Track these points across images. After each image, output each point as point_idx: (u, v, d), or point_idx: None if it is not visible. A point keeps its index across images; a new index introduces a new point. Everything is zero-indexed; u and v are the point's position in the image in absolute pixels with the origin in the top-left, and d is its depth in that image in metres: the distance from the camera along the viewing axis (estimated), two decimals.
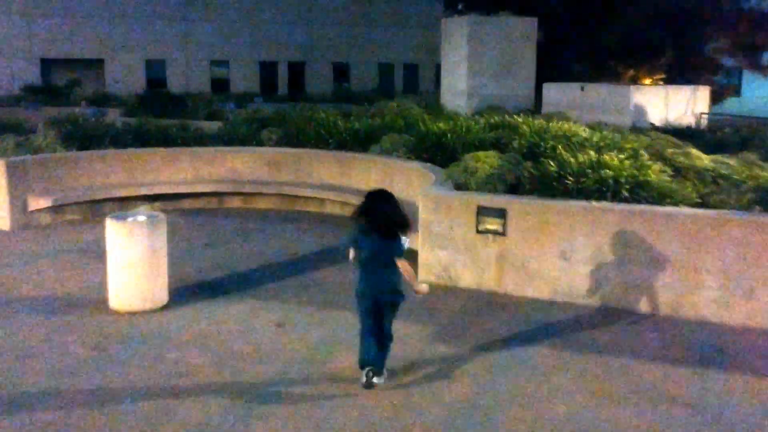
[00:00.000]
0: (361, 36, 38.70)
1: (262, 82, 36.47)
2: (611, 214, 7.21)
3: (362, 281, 5.18)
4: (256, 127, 12.79)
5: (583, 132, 8.72)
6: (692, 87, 17.77)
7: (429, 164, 10.18)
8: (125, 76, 31.59)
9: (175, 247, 9.43)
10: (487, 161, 8.37)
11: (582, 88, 18.31)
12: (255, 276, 8.33)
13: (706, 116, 17.35)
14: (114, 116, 19.49)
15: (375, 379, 5.20)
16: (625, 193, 7.42)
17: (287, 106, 26.88)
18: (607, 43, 21.97)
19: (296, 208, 11.99)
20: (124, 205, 11.58)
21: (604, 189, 7.45)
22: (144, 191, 11.47)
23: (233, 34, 35.11)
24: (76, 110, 23.25)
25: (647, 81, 24.20)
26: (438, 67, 39.98)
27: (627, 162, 7.71)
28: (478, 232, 7.75)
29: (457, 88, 22.26)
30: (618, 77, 23.19)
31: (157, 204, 11.83)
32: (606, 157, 7.81)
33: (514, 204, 7.59)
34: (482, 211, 7.71)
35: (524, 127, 9.94)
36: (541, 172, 7.91)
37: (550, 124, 11.40)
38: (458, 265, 7.88)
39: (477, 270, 7.80)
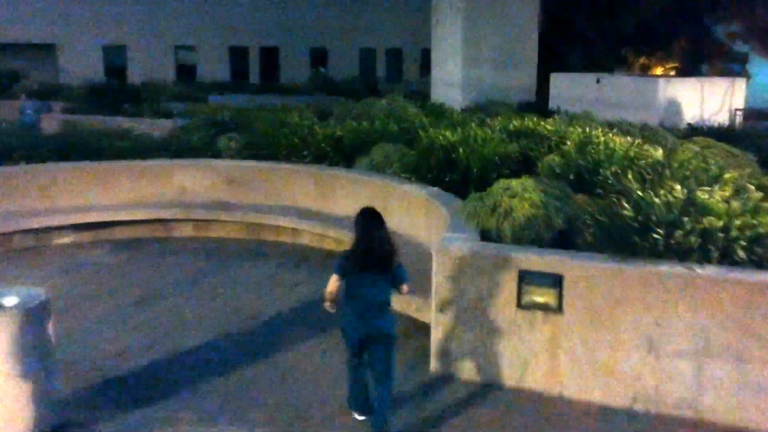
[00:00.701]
0: (340, 18, 35.94)
1: (232, 69, 33.58)
2: (723, 286, 4.83)
3: (346, 320, 4.68)
4: (213, 133, 10.24)
5: (654, 151, 6.29)
6: (729, 79, 15.48)
7: (436, 189, 7.72)
8: (79, 63, 28.55)
9: (91, 309, 6.94)
10: (526, 196, 5.93)
11: (598, 80, 15.93)
12: (200, 364, 5.83)
13: (740, 113, 15.11)
14: (51, 115, 16.79)
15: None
16: (741, 253, 5.02)
17: (259, 99, 24.23)
18: (618, 29, 19.60)
19: (263, 237, 9.47)
20: (40, 237, 8.99)
21: (709, 246, 5.05)
22: (65, 220, 8.87)
23: (200, 16, 32.17)
24: (16, 104, 20.53)
25: (659, 70, 21.87)
26: (424, 53, 37.31)
27: (735, 204, 5.30)
28: (521, 306, 5.33)
29: (451, 79, 19.76)
30: (628, 66, 20.83)
31: (85, 234, 9.26)
32: (701, 195, 5.39)
33: (573, 267, 5.17)
34: (527, 277, 5.28)
35: (567, 141, 7.48)
36: (609, 216, 5.47)
37: (578, 129, 8.98)
38: (492, 355, 5.45)
39: (519, 362, 5.38)
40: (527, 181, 6.14)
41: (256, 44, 34.30)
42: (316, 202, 9.15)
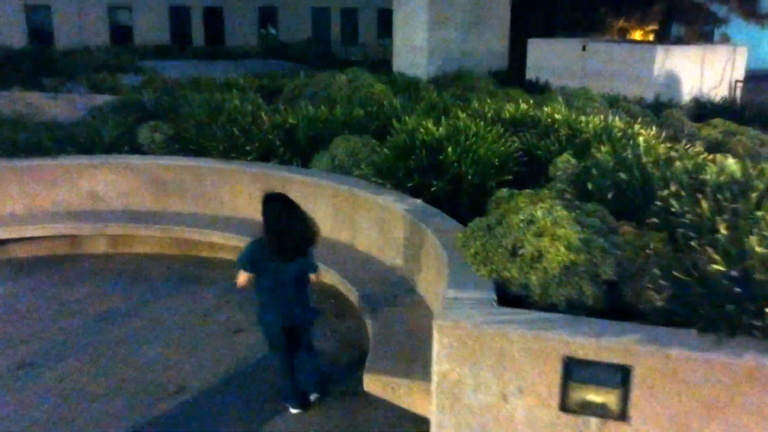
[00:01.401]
0: None
1: (172, 31, 30.81)
2: None
3: (271, 313, 4.46)
4: (132, 120, 8.17)
5: (733, 165, 4.54)
6: (730, 47, 13.85)
7: (420, 203, 5.91)
8: None
9: None
10: (559, 233, 4.15)
11: (584, 48, 14.14)
12: None
13: (740, 84, 13.58)
14: None
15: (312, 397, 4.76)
16: None
17: (202, 66, 21.90)
18: None
19: (197, 253, 7.54)
20: None
21: None
22: None
23: None
24: None
25: (638, 34, 20.23)
26: (381, 13, 35.02)
27: None
28: (565, 409, 3.61)
29: (415, 43, 17.79)
30: (604, 30, 19.13)
31: None
32: None
33: (647, 353, 3.44)
34: (576, 367, 3.55)
35: (601, 147, 5.65)
36: (685, 268, 3.74)
37: (593, 118, 7.24)
38: None
39: None
40: (557, 209, 4.35)
41: (198, 4, 31.55)
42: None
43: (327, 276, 6.16)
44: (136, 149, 7.98)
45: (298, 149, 7.51)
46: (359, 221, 6.39)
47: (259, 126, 7.63)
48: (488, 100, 8.55)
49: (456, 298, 3.96)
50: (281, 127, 7.60)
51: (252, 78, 11.59)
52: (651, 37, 20.33)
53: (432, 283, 5.07)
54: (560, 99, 8.60)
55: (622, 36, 19.90)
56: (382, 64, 19.70)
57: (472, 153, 6.19)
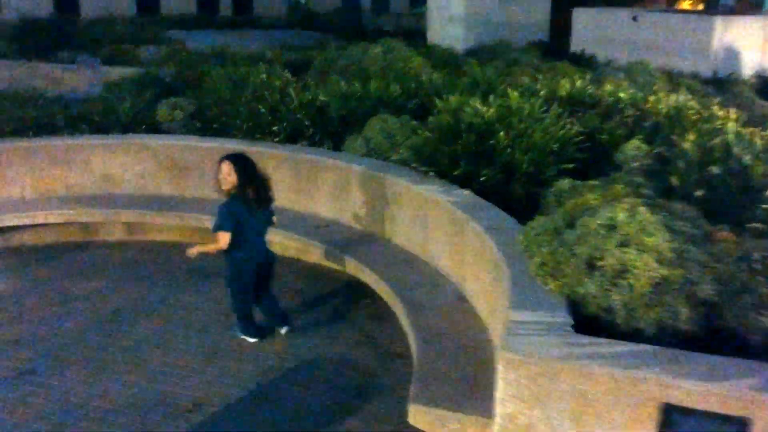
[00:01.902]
0: None
1: (199, 1, 30.12)
2: None
3: (245, 251, 4.87)
4: (150, 96, 7.53)
5: None
6: None
7: (469, 195, 5.19)
8: None
9: None
10: (648, 242, 3.41)
11: (635, 18, 13.15)
12: None
13: None
14: None
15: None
16: None
17: (228, 36, 21.19)
18: None
19: None
20: None
21: None
22: None
23: None
24: None
25: (686, 4, 19.08)
26: None
27: None
28: None
29: (451, 13, 16.84)
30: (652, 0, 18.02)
31: None
32: None
33: (767, 404, 2.73)
34: (676, 417, 2.85)
35: (688, 138, 4.83)
36: None
37: (662, 95, 6.44)
38: None
39: None
40: (642, 212, 3.60)
41: None
42: (291, 198, 6.57)
43: (360, 273, 5.50)
44: (154, 128, 7.34)
45: (329, 130, 6.81)
46: (397, 213, 5.69)
47: (287, 104, 6.94)
48: (539, 76, 7.74)
49: (522, 321, 3.26)
50: (311, 104, 6.90)
51: (279, 50, 10.86)
52: (701, 7, 19.17)
53: (486, 292, 4.37)
54: (621, 75, 7.75)
55: (671, 6, 18.79)
56: (415, 35, 18.78)
57: (527, 137, 5.45)
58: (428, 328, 4.46)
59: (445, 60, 9.27)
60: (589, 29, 14.59)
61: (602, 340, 3.15)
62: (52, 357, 4.94)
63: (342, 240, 5.92)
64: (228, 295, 5.17)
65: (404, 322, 4.73)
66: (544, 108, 5.99)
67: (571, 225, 3.83)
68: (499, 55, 11.89)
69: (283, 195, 6.59)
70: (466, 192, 5.23)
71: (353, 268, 5.57)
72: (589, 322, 3.40)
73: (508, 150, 5.39)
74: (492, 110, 5.74)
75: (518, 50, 12.26)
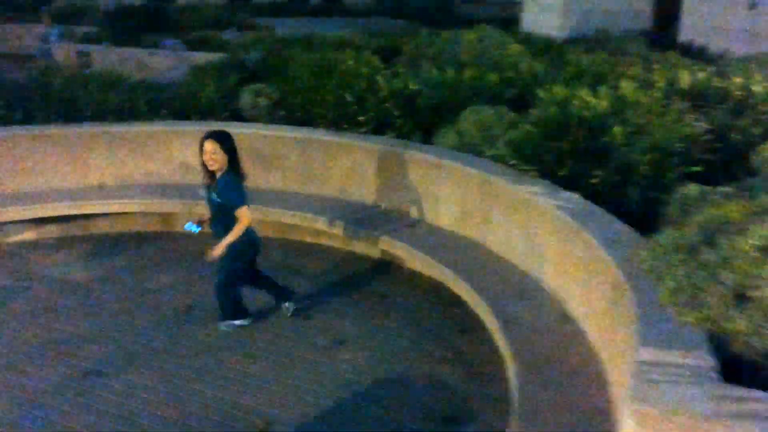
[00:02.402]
0: None
1: None
2: None
3: (253, 233, 4.84)
4: (233, 82, 7.22)
5: None
6: None
7: (577, 197, 4.57)
8: None
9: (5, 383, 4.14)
10: None
11: (753, 5, 12.02)
12: None
13: None
14: (65, 44, 14.09)
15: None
16: None
17: (315, 23, 21.01)
18: None
19: (296, 237, 6.57)
20: None
21: None
22: (11, 214, 6.12)
23: None
24: (34, 30, 17.87)
25: None
26: None
27: None
28: None
29: (547, 0, 16.01)
30: None
31: (50, 228, 6.53)
32: None
33: None
34: None
35: None
36: None
37: None
38: None
39: None
40: None
41: None
42: (378, 193, 6.11)
43: (449, 279, 4.98)
44: (237, 115, 7.02)
45: (420, 121, 6.29)
46: (494, 216, 5.13)
47: (375, 92, 6.46)
48: (655, 66, 6.99)
49: (655, 362, 2.67)
50: (401, 93, 6.40)
51: (368, 36, 10.41)
52: None
53: (599, 315, 3.78)
54: (753, 66, 6.90)
55: None
56: (507, 23, 18.01)
57: (647, 135, 4.78)
58: (527, 350, 3.91)
59: (545, 48, 8.60)
60: (699, 18, 13.48)
61: (760, 393, 2.53)
62: (119, 357, 4.66)
63: (428, 241, 5.41)
64: (217, 282, 4.91)
65: (499, 339, 4.18)
66: (664, 102, 5.29)
67: (709, 243, 3.19)
68: (600, 45, 11.07)
69: (367, 189, 6.14)
70: (575, 196, 4.62)
71: (440, 273, 5.05)
72: (730, 364, 2.78)
73: (624, 148, 4.74)
74: (605, 103, 5.09)
75: (622, 39, 11.37)
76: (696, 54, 12.11)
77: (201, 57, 9.88)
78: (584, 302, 4.03)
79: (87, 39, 14.67)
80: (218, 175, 4.63)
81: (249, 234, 4.73)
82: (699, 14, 13.56)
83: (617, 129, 4.79)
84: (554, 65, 7.40)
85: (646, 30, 16.01)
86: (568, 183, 4.83)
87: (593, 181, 4.70)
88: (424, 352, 4.77)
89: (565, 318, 4.21)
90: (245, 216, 4.60)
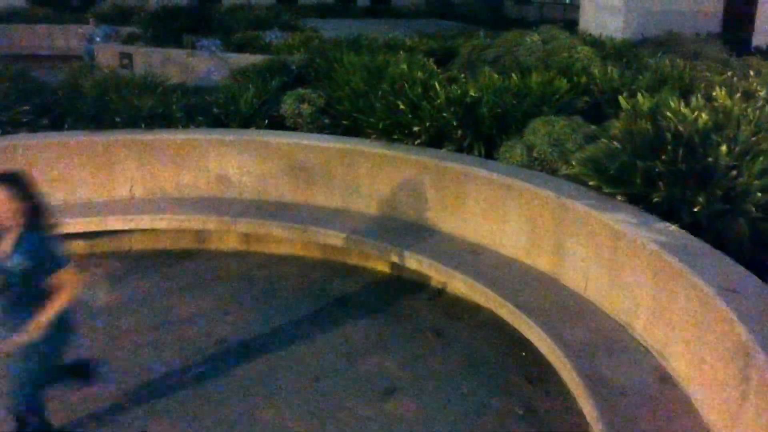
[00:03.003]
0: None
1: None
2: None
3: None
4: (275, 87, 6.63)
5: None
6: None
7: (676, 229, 3.84)
8: None
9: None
10: None
11: None
12: None
13: None
14: (108, 45, 13.77)
15: None
16: None
17: (363, 25, 20.44)
18: None
19: (341, 258, 5.94)
20: None
21: None
22: None
23: None
24: (80, 31, 17.67)
25: None
26: None
27: None
28: None
29: (608, 1, 15.13)
30: None
31: (77, 243, 6.04)
32: None
33: None
34: None
35: None
36: None
37: None
38: None
39: None
40: None
41: None
42: (433, 213, 5.44)
43: (517, 320, 4.27)
44: (279, 123, 6.42)
45: (481, 132, 5.60)
46: (570, 246, 4.41)
47: (430, 100, 5.79)
48: (751, 72, 6.16)
49: None
50: (459, 101, 5.71)
51: (420, 38, 9.74)
52: None
53: (718, 383, 3.03)
54: None
55: None
56: (562, 26, 17.21)
57: (761, 155, 4.01)
58: (620, 419, 3.19)
59: (617, 51, 7.81)
60: None
61: None
62: (137, 400, 4.08)
63: (491, 272, 4.72)
64: (14, 406, 3.41)
65: (584, 404, 3.46)
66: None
67: None
68: (671, 48, 10.19)
69: (422, 209, 5.47)
70: (673, 227, 3.88)
71: (509, 312, 4.35)
72: None
73: (733, 170, 3.98)
74: (705, 116, 4.32)
75: (697, 42, 10.48)
76: None
77: (243, 59, 9.35)
78: (693, 363, 3.29)
79: (131, 40, 14.32)
80: (15, 231, 3.17)
81: (66, 314, 3.34)
82: None
83: (724, 147, 4.03)
84: (630, 70, 6.62)
85: (715, 32, 15.02)
86: (662, 211, 4.09)
87: (695, 209, 3.94)
88: (487, 405, 4.08)
89: (665, 379, 3.48)
90: (73, 281, 3.28)
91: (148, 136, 6.06)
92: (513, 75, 6.17)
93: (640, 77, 6.24)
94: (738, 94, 4.80)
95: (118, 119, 6.15)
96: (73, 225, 5.62)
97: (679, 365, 3.42)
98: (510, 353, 4.60)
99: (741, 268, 3.38)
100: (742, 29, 13.81)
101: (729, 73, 6.19)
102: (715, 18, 15.34)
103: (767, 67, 7.82)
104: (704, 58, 8.98)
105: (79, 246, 6.04)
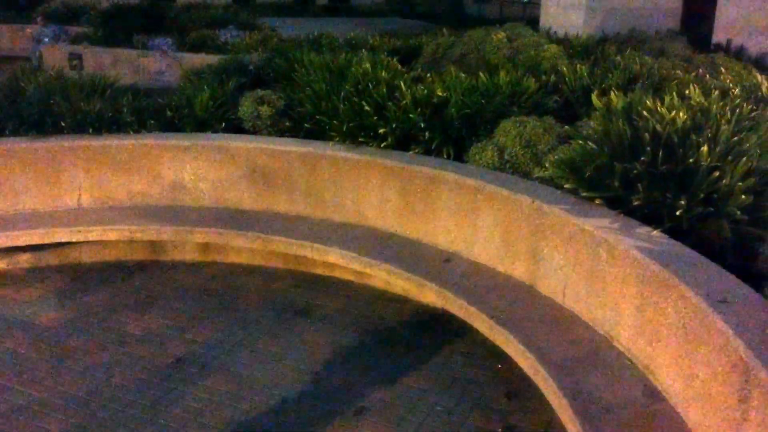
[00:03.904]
0: None
1: None
2: None
3: None
4: (232, 88, 6.30)
5: None
6: None
7: (658, 234, 3.66)
8: None
9: None
10: None
11: None
12: None
13: None
14: (57, 46, 13.24)
15: None
16: None
17: (322, 24, 20.13)
18: None
19: (305, 269, 5.66)
20: None
21: None
22: None
23: None
24: (27, 30, 16.99)
25: None
26: None
27: None
28: None
29: None
30: None
31: (22, 256, 5.65)
32: None
33: None
34: None
35: None
36: None
37: None
38: None
39: None
40: None
41: None
42: (401, 220, 5.19)
43: (492, 332, 4.05)
44: (236, 126, 6.10)
45: (450, 134, 5.36)
46: (546, 253, 4.20)
47: (396, 101, 5.54)
48: (722, 69, 6.05)
49: None
50: (426, 102, 5.47)
51: (382, 37, 9.48)
52: None
53: (713, 399, 2.83)
54: None
55: None
56: (525, 23, 17.15)
57: (743, 155, 3.85)
58: None
59: (584, 49, 7.66)
60: (736, 16, 12.52)
61: None
62: (85, 428, 3.74)
63: (464, 280, 4.50)
64: None
65: (568, 421, 3.25)
66: (754, 111, 4.37)
67: None
68: (634, 45, 10.12)
69: (389, 215, 5.22)
70: (655, 233, 3.69)
71: (483, 324, 4.13)
72: None
73: (715, 173, 3.81)
74: (683, 114, 4.15)
75: (661, 39, 10.44)
76: (735, 55, 11.22)
77: (197, 59, 9.00)
78: (683, 379, 3.09)
79: (81, 40, 13.79)
80: None
81: None
82: (735, 12, 12.59)
83: (705, 148, 3.86)
84: (598, 68, 6.46)
85: (675, 30, 15.08)
86: (642, 215, 3.91)
87: (677, 212, 3.76)
88: (464, 424, 3.84)
89: (654, 395, 3.28)
90: None
91: (97, 142, 5.69)
92: (481, 74, 5.95)
93: (610, 75, 6.08)
94: (715, 92, 4.65)
95: (63, 124, 5.76)
96: (15, 237, 5.24)
97: (668, 381, 3.23)
98: (486, 367, 4.38)
99: (732, 277, 3.20)
100: (701, 27, 13.86)
101: (700, 71, 6.06)
102: (675, 15, 15.40)
103: (734, 64, 7.76)
104: (669, 55, 8.91)
105: (22, 259, 5.65)
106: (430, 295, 4.57)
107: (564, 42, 8.28)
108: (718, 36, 12.64)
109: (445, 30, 8.99)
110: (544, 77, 6.11)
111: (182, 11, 17.89)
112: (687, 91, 4.89)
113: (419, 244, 5.04)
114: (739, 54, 11.73)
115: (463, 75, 5.98)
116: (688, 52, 9.08)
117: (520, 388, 4.10)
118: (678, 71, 6.11)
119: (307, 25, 17.49)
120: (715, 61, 8.17)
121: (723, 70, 6.14)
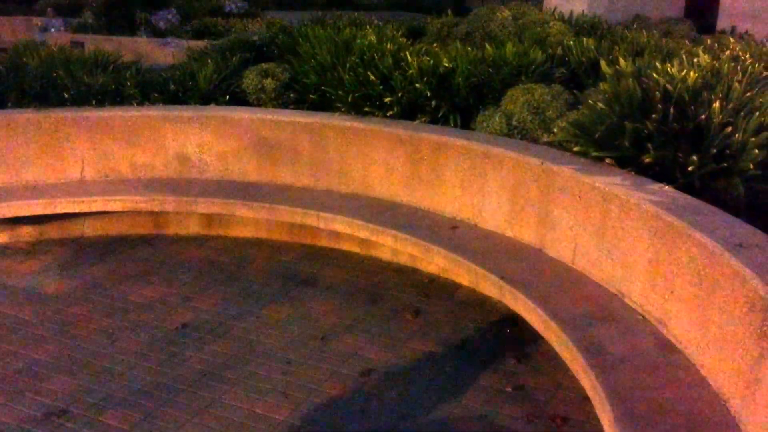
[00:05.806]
0: None
1: None
2: None
3: None
4: (237, 63, 6.25)
5: None
6: None
7: (669, 189, 3.60)
8: None
9: None
10: None
11: None
12: None
13: None
14: (60, 34, 13.22)
15: None
16: None
17: (324, 16, 20.11)
18: None
19: (311, 240, 5.61)
20: None
21: None
22: None
23: None
24: (35, 24, 16.97)
25: None
26: None
27: None
28: None
29: None
30: None
31: (25, 229, 5.61)
32: None
33: None
34: None
35: None
36: None
37: None
38: None
39: None
40: None
41: None
42: (407, 189, 5.13)
43: (501, 293, 3.99)
44: (240, 100, 6.06)
45: (456, 103, 5.31)
46: (556, 214, 4.15)
47: (402, 71, 5.48)
48: (731, 39, 6.00)
49: None
50: (433, 72, 5.41)
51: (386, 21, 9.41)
52: None
53: (730, 345, 2.78)
54: None
55: None
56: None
57: (755, 111, 3.80)
58: (621, 390, 2.92)
59: (590, 27, 7.61)
60: (742, 3, 12.46)
61: None
62: (91, 392, 3.70)
63: (472, 245, 4.44)
64: None
65: (583, 376, 3.20)
66: (765, 73, 4.31)
67: None
68: (642, 27, 10.07)
69: (395, 183, 5.17)
70: (667, 188, 3.64)
71: (492, 285, 4.07)
72: None
73: (727, 129, 3.75)
74: (693, 74, 4.10)
75: (667, 23, 10.38)
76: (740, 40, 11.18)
77: (201, 45, 8.95)
78: (697, 326, 3.04)
79: (83, 29, 13.79)
80: None
81: None
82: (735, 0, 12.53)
83: (717, 105, 3.80)
84: (605, 41, 6.40)
85: (678, 16, 15.03)
86: (653, 173, 3.85)
87: (689, 169, 3.71)
88: (472, 384, 3.79)
89: (667, 346, 3.22)
90: None
91: (100, 113, 5.64)
92: (487, 45, 5.89)
93: (616, 48, 6.02)
94: (726, 53, 4.60)
95: (66, 95, 5.71)
96: (18, 208, 5.19)
97: (682, 331, 3.17)
98: (495, 331, 4.32)
99: (747, 225, 3.15)
100: (705, 14, 13.81)
101: (709, 42, 6.01)
102: (679, 3, 15.34)
103: (737, 43, 7.72)
104: (675, 36, 8.86)
105: (25, 231, 5.60)
106: (438, 260, 4.51)
107: (569, 21, 8.20)
108: (723, 23, 12.59)
109: (449, 10, 8.92)
110: (550, 51, 6.05)
111: (182, 2, 17.83)
112: (696, 60, 4.84)
113: (426, 212, 4.99)
114: (743, 39, 11.67)
115: (468, 48, 5.93)
116: (693, 34, 9.03)
117: (530, 350, 4.05)
118: (686, 43, 6.06)
119: (309, 17, 17.48)
120: (722, 41, 8.12)
121: (731, 39, 6.07)
